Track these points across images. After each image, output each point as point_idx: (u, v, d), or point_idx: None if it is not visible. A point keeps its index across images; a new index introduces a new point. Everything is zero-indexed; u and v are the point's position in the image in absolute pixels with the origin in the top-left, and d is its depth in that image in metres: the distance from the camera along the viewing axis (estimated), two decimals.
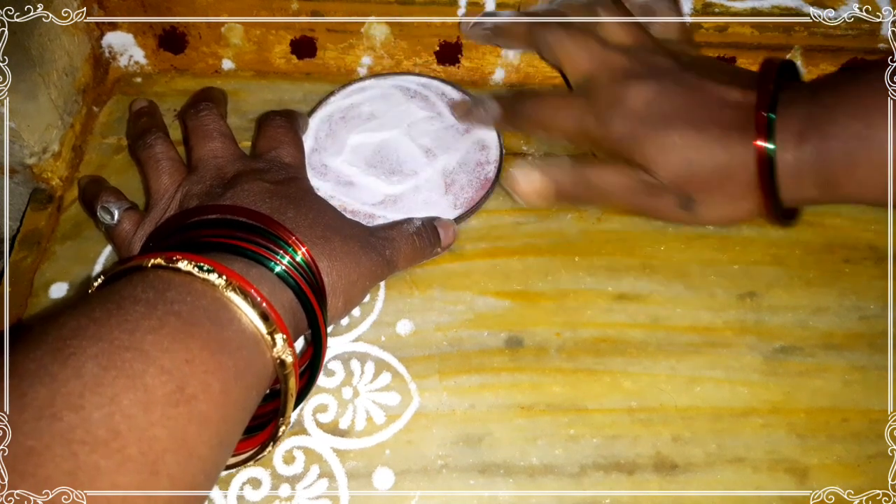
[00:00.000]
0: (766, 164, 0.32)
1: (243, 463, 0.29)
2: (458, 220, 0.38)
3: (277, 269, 0.28)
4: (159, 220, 0.33)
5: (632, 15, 0.38)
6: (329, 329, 0.31)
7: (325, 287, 0.31)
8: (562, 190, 0.33)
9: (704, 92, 0.34)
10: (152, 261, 0.26)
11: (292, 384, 0.27)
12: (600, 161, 0.34)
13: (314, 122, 0.41)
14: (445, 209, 0.39)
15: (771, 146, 0.31)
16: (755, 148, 0.32)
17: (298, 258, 0.29)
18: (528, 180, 0.33)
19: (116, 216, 0.34)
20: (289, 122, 0.38)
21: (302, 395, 0.30)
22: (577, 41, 0.37)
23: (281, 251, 0.29)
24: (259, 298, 0.26)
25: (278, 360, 0.26)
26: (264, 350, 0.26)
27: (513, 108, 0.39)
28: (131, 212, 0.34)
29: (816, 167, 0.32)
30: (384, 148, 0.41)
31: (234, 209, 0.30)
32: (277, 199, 0.32)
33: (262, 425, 0.29)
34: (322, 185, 0.39)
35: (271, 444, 0.29)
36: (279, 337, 0.26)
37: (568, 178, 0.33)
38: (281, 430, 0.28)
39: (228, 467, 0.30)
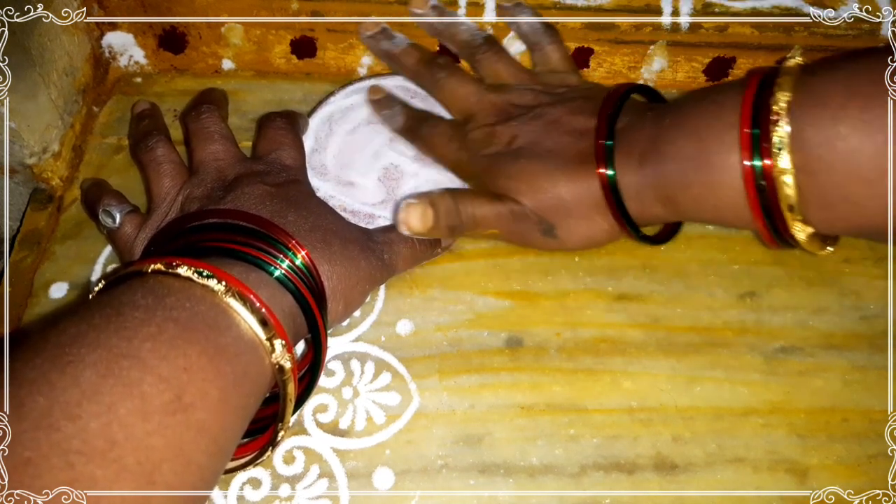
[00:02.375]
0: (609, 188, 0.33)
1: (242, 467, 0.29)
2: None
3: (277, 273, 0.28)
4: (160, 223, 0.33)
5: (506, 52, 0.41)
6: (328, 331, 0.31)
7: (326, 291, 0.31)
8: (443, 220, 0.34)
9: (559, 123, 0.36)
10: (152, 266, 0.26)
11: (291, 389, 0.27)
12: (476, 192, 0.36)
13: (314, 122, 0.41)
14: None
15: (610, 172, 0.33)
16: (597, 174, 0.33)
17: (298, 262, 0.29)
18: (417, 213, 0.34)
19: (118, 219, 0.34)
20: (289, 124, 0.38)
21: (302, 399, 0.30)
22: (457, 81, 0.40)
23: (281, 255, 0.29)
24: (258, 304, 0.26)
25: (277, 366, 0.26)
26: (263, 356, 0.26)
27: (413, 126, 0.40)
28: (133, 215, 0.34)
29: (656, 187, 0.32)
30: (384, 148, 0.41)
31: (234, 213, 0.30)
32: (278, 203, 0.32)
33: (262, 429, 0.29)
34: (322, 186, 0.39)
35: (270, 448, 0.29)
36: (278, 343, 0.26)
37: (449, 208, 0.34)
38: (280, 434, 0.28)
39: (227, 471, 0.30)
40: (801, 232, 0.29)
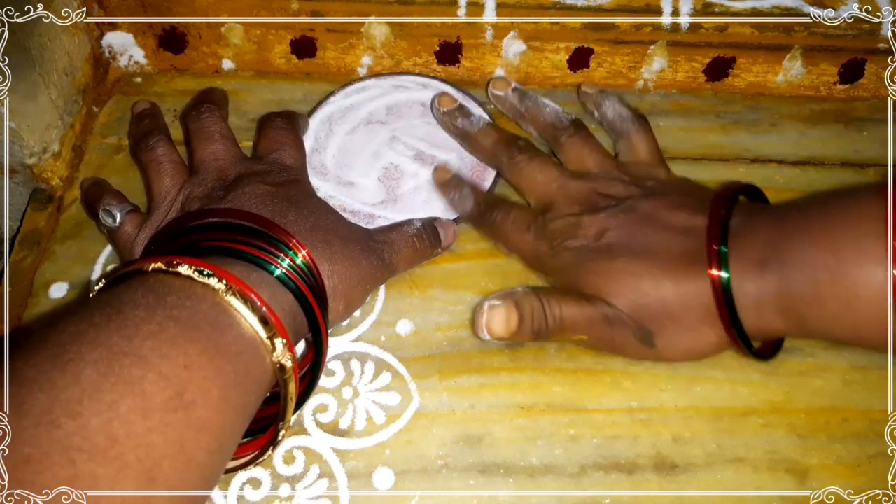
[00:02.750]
0: (722, 294, 0.30)
1: (243, 466, 0.29)
2: (459, 220, 0.38)
3: (278, 272, 0.28)
4: (161, 222, 0.33)
5: (594, 138, 0.38)
6: (329, 331, 0.31)
7: (326, 290, 0.31)
8: (528, 323, 0.32)
9: (657, 219, 0.33)
10: (153, 265, 0.26)
11: (292, 388, 0.27)
12: (563, 292, 0.33)
13: (314, 122, 0.41)
14: (446, 209, 0.39)
15: (725, 275, 0.30)
16: (710, 277, 0.30)
17: (299, 261, 0.29)
18: (501, 317, 0.31)
19: (118, 219, 0.34)
20: (290, 124, 0.38)
21: (303, 399, 0.30)
22: (537, 166, 0.37)
23: (281, 254, 0.29)
24: (259, 303, 0.26)
25: (278, 365, 0.26)
26: (264, 355, 0.26)
27: (482, 213, 0.37)
28: (133, 214, 0.34)
29: (779, 298, 0.29)
30: (384, 148, 0.41)
31: (235, 212, 0.30)
32: (278, 202, 0.32)
33: (263, 428, 0.29)
34: (322, 185, 0.39)
35: (271, 447, 0.29)
36: (279, 341, 0.26)
37: (535, 310, 0.32)
38: (281, 434, 0.28)
39: (228, 470, 0.30)
40: None
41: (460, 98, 0.42)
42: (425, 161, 0.40)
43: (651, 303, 0.31)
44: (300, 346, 0.31)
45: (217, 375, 0.24)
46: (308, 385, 0.30)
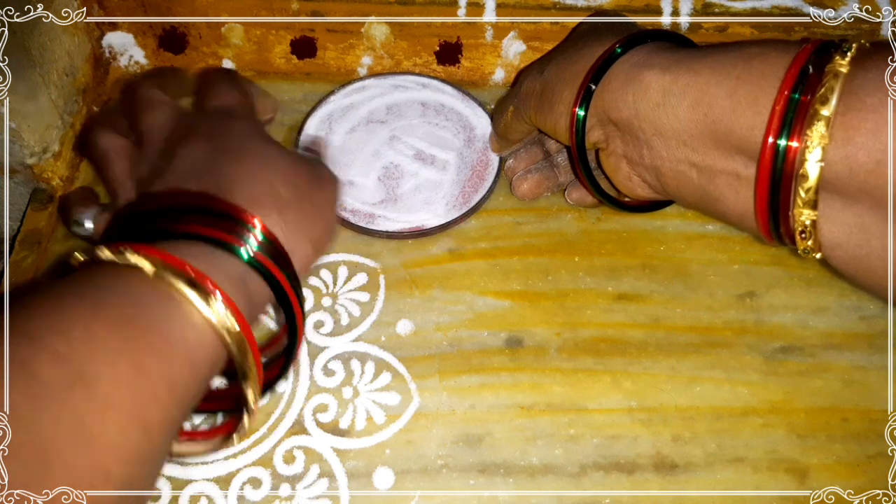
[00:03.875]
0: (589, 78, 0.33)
1: (211, 450, 0.28)
2: (461, 218, 0.38)
3: (221, 241, 0.27)
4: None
5: None
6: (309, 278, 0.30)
7: (282, 240, 0.29)
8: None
9: (575, 45, 0.36)
10: (76, 254, 0.25)
11: (251, 360, 0.25)
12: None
13: (314, 121, 0.41)
14: (446, 208, 0.39)
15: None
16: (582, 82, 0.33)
17: (256, 231, 0.28)
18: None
19: (89, 225, 0.33)
20: (221, 70, 0.36)
21: (284, 368, 0.29)
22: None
23: (224, 223, 0.27)
24: (178, 266, 0.24)
25: (223, 329, 0.25)
26: (197, 320, 0.24)
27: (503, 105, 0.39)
28: (101, 215, 0.33)
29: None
30: (384, 147, 0.41)
31: (171, 196, 0.29)
32: (217, 161, 0.30)
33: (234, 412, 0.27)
34: None
35: (238, 431, 0.27)
36: (214, 301, 0.24)
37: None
38: (245, 419, 0.27)
39: (195, 455, 0.29)
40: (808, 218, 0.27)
41: (460, 99, 0.42)
42: (425, 161, 0.40)
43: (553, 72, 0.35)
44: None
45: (128, 347, 0.22)
46: (287, 354, 0.29)
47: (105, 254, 0.24)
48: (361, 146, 0.41)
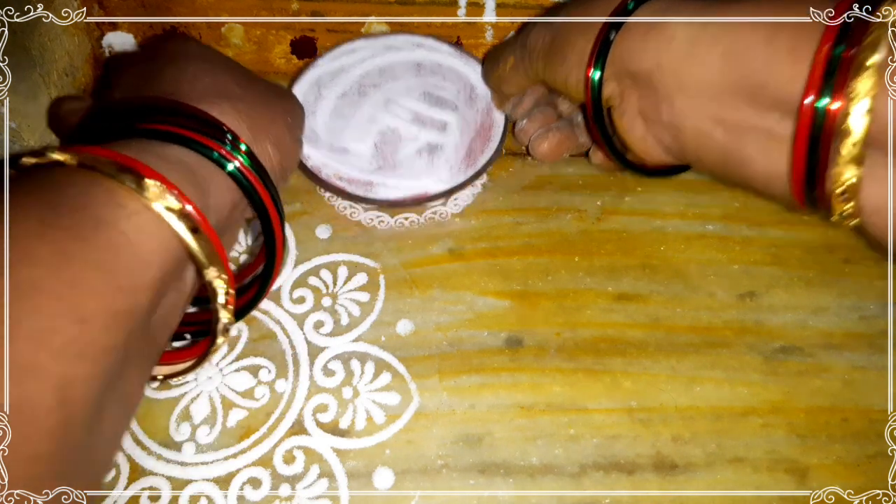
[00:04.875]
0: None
1: (185, 371, 0.28)
2: (467, 182, 0.37)
3: (165, 133, 0.25)
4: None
5: None
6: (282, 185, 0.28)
7: (237, 131, 0.27)
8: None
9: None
10: (24, 159, 0.24)
11: (200, 236, 0.23)
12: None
13: (300, 87, 0.40)
14: (450, 173, 0.38)
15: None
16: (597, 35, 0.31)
17: (195, 117, 0.26)
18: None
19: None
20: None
21: (265, 280, 0.28)
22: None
23: (170, 118, 0.26)
24: (111, 156, 0.23)
25: (165, 209, 0.23)
26: (132, 206, 0.23)
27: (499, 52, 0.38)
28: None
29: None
30: (380, 111, 0.39)
31: (119, 102, 0.28)
32: (155, 75, 0.29)
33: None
34: (313, 153, 0.38)
35: (212, 349, 0.27)
36: (149, 182, 0.22)
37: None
38: (219, 338, 0.25)
39: (173, 376, 0.28)
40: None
41: (458, 57, 0.41)
42: (424, 123, 0.39)
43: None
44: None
45: (48, 233, 0.21)
46: (268, 263, 0.28)
47: (37, 157, 0.23)
48: (354, 111, 0.39)
